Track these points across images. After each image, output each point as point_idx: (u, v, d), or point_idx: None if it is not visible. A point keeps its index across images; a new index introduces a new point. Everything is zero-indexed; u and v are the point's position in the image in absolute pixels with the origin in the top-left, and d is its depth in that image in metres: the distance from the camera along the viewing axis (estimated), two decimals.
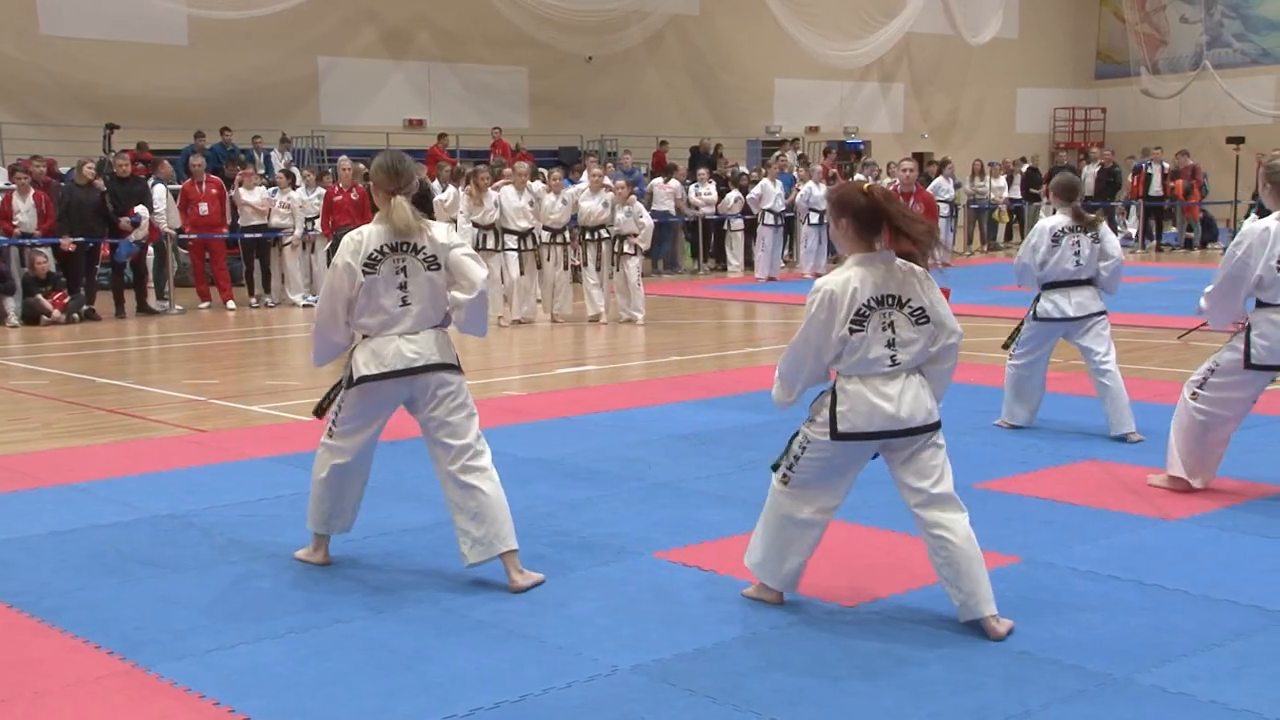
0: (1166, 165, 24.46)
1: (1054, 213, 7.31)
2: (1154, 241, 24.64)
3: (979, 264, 21.32)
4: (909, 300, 4.11)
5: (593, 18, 24.28)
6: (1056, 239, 7.08)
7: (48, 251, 14.75)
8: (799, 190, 19.15)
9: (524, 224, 13.68)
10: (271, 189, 16.47)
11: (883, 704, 3.59)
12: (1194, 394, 5.84)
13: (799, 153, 23.99)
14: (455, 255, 4.68)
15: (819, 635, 4.14)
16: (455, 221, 13.26)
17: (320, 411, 4.92)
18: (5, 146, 19.25)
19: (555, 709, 3.59)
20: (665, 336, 12.52)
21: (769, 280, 18.28)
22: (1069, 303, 7.13)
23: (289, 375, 10.46)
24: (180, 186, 16.36)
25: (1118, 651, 3.95)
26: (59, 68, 20.37)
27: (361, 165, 14.92)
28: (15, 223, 14.29)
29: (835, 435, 4.13)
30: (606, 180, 14.35)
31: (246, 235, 16.26)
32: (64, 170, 16.56)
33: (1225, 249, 5.95)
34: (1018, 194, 24.74)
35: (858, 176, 18.29)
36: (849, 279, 4.10)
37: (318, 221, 15.58)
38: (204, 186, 15.96)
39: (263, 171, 18.84)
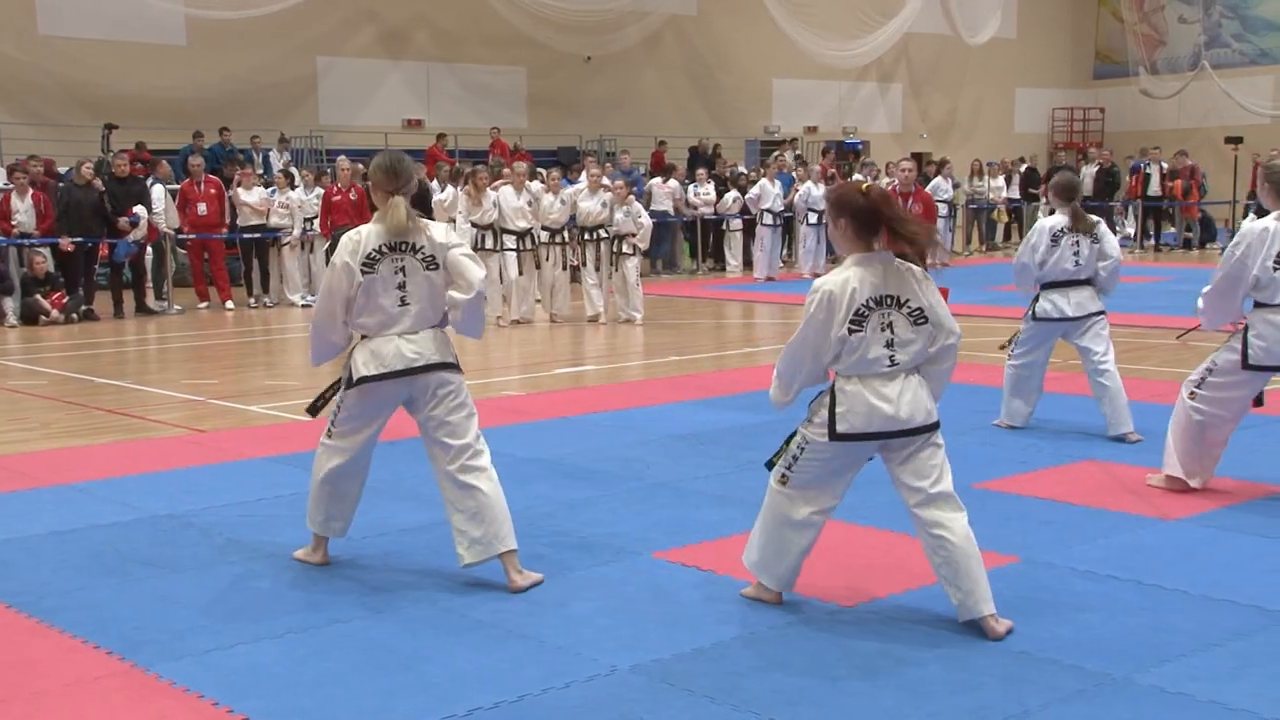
0: (1165, 165, 24.47)
1: (1053, 212, 7.31)
2: (1152, 241, 24.66)
3: (977, 264, 21.33)
4: (907, 300, 4.11)
5: (590, 18, 24.28)
6: (1056, 239, 7.08)
7: (46, 251, 14.74)
8: (797, 190, 19.15)
9: (522, 224, 13.68)
10: (270, 189, 16.46)
11: (881, 704, 3.59)
12: (1192, 394, 5.85)
13: (796, 153, 23.98)
14: (453, 255, 4.68)
15: (818, 635, 4.14)
16: (454, 221, 13.25)
17: (314, 411, 4.92)
18: (4, 146, 19.24)
19: (554, 709, 3.59)
20: (664, 336, 12.52)
21: (767, 280, 18.28)
22: (1068, 302, 7.13)
23: (288, 375, 10.46)
24: (179, 186, 16.36)
25: (1117, 651, 3.95)
26: (57, 67, 20.36)
27: (360, 165, 14.91)
28: (14, 223, 14.29)
29: (834, 436, 4.13)
30: (605, 180, 14.35)
31: (245, 235, 16.26)
32: (62, 170, 16.55)
33: (1224, 249, 5.95)
34: (1016, 194, 24.75)
35: (856, 176, 18.31)
36: (848, 279, 4.10)
37: (316, 221, 15.57)
38: (202, 186, 15.95)
39: (261, 171, 18.83)
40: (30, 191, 14.49)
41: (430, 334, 4.69)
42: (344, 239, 4.70)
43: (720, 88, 28.02)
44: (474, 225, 13.49)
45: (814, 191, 18.57)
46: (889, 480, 4.29)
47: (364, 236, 4.66)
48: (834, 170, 21.30)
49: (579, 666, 3.88)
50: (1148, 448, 6.62)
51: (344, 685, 3.77)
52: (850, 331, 4.08)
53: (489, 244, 13.53)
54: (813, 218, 18.54)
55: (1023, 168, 25.33)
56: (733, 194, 20.08)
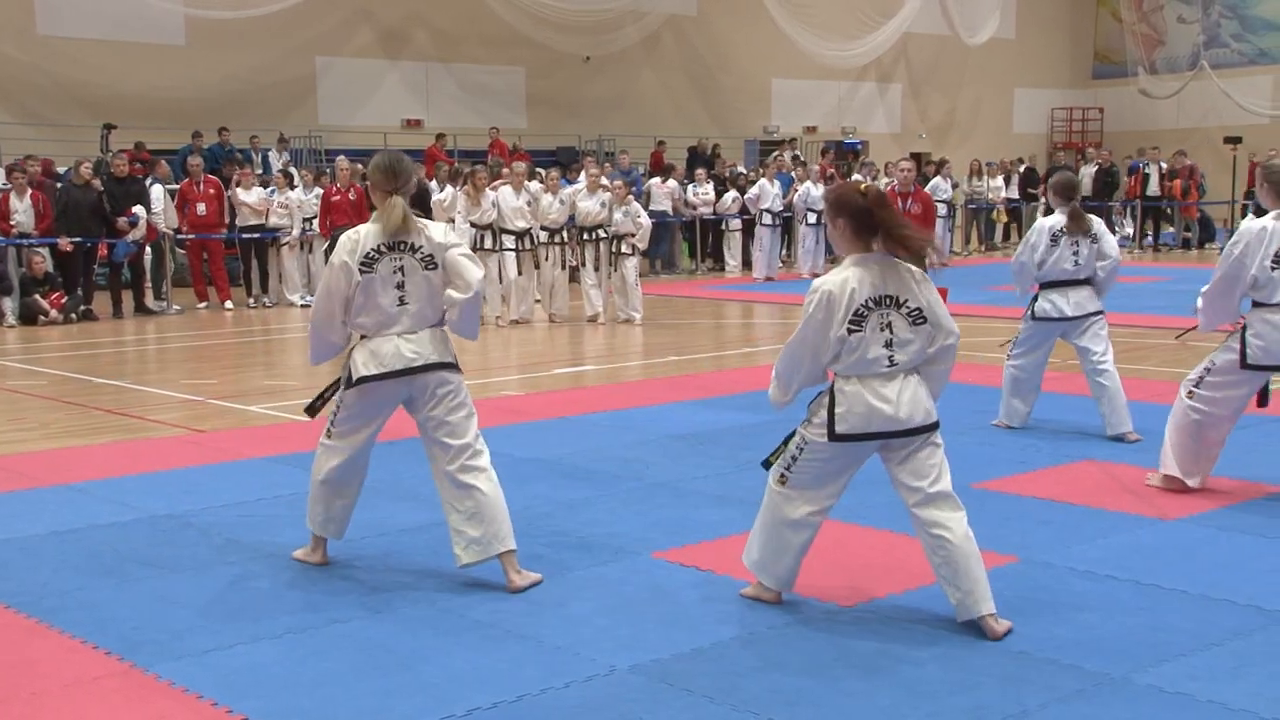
0: (1164, 165, 24.48)
1: (1049, 212, 7.32)
2: (1151, 241, 24.65)
3: (976, 264, 21.34)
4: (906, 300, 4.11)
5: (589, 18, 24.28)
6: (1055, 239, 7.09)
7: (45, 251, 14.74)
8: (796, 190, 19.15)
9: (521, 224, 13.68)
10: (269, 189, 16.46)
11: (880, 704, 3.59)
12: (1190, 393, 5.86)
13: (793, 154, 23.98)
14: (452, 255, 4.68)
15: (816, 635, 4.15)
16: (453, 221, 13.25)
17: (313, 411, 4.92)
18: (3, 147, 19.22)
19: (553, 709, 3.59)
20: (663, 336, 12.52)
21: (767, 280, 18.28)
22: (1067, 302, 7.13)
23: (287, 375, 10.46)
24: (178, 186, 16.35)
25: (1115, 651, 3.95)
26: (56, 67, 20.36)
27: (359, 165, 14.91)
28: (13, 223, 14.28)
29: (833, 436, 4.13)
30: (604, 180, 14.35)
31: (244, 235, 16.26)
32: (61, 170, 16.54)
33: (1223, 249, 5.95)
34: (1015, 194, 24.76)
35: (855, 176, 18.31)
36: (847, 279, 4.10)
37: (315, 221, 15.56)
38: (202, 186, 15.94)
39: (260, 171, 18.83)
40: (29, 191, 14.49)
41: (429, 333, 4.69)
42: (342, 238, 4.70)
43: (719, 88, 28.02)
44: (473, 225, 13.49)
45: (813, 191, 18.57)
46: (888, 480, 4.29)
47: (362, 236, 4.65)
48: (833, 170, 21.29)
49: (578, 666, 3.88)
50: (1147, 448, 6.62)
51: (343, 685, 3.77)
52: (849, 331, 4.08)
53: (488, 244, 13.52)
54: (812, 218, 18.54)
55: (1021, 168, 25.34)
56: (732, 194, 20.08)
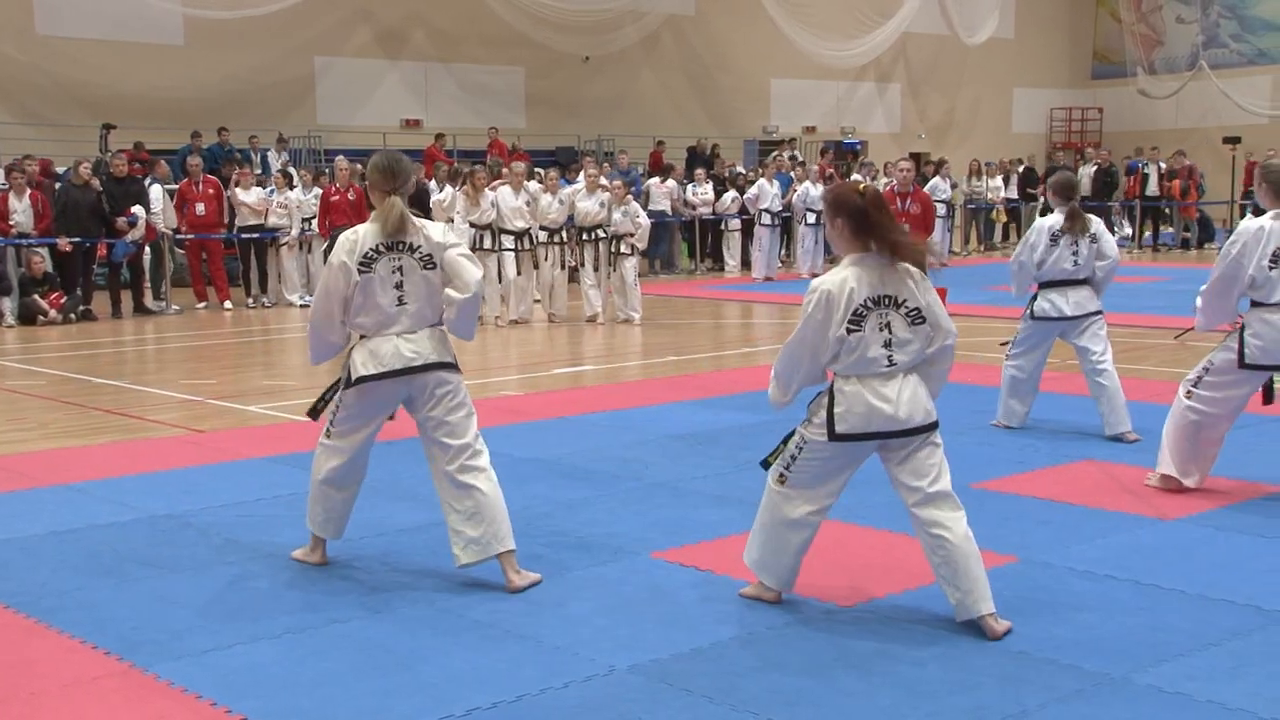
0: (1163, 165, 24.49)
1: (1046, 211, 7.32)
2: (1150, 241, 24.65)
3: (975, 264, 21.35)
4: (905, 300, 4.12)
5: (588, 18, 24.28)
6: (1055, 239, 7.09)
7: (44, 251, 14.74)
8: (796, 190, 19.16)
9: (520, 224, 13.69)
10: (268, 189, 16.46)
11: (879, 703, 3.59)
12: (1188, 393, 5.86)
13: (790, 154, 23.98)
14: (451, 255, 4.67)
15: (816, 635, 4.15)
16: (452, 221, 13.25)
17: (315, 414, 4.91)
18: (2, 146, 19.21)
19: (552, 709, 3.59)
20: (662, 336, 12.52)
21: (766, 280, 18.29)
22: (1067, 302, 7.13)
23: (286, 375, 10.45)
24: (177, 186, 16.35)
25: (1115, 651, 3.95)
26: (56, 67, 20.35)
27: (358, 165, 14.90)
28: (12, 223, 14.28)
29: (833, 436, 4.13)
30: (603, 180, 14.35)
31: (243, 235, 16.26)
32: (60, 170, 16.54)
33: (1221, 249, 5.96)
34: (1014, 194, 24.76)
35: (854, 176, 18.30)
36: (846, 279, 4.11)
37: (314, 221, 15.57)
38: (201, 186, 15.95)
39: (259, 171, 18.83)
40: (28, 191, 14.48)
41: (428, 333, 4.69)
42: (341, 239, 4.70)
43: (718, 88, 28.02)
44: (472, 225, 13.49)
45: (812, 191, 18.58)
46: (887, 480, 4.29)
47: (361, 236, 4.65)
48: (832, 170, 21.29)
49: (577, 666, 3.88)
50: (1146, 447, 6.62)
51: (342, 685, 3.77)
52: (848, 331, 4.08)
53: (487, 244, 13.53)
54: (811, 218, 18.55)
55: (1020, 168, 25.34)
56: (731, 194, 20.08)
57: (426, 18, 24.12)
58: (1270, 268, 5.57)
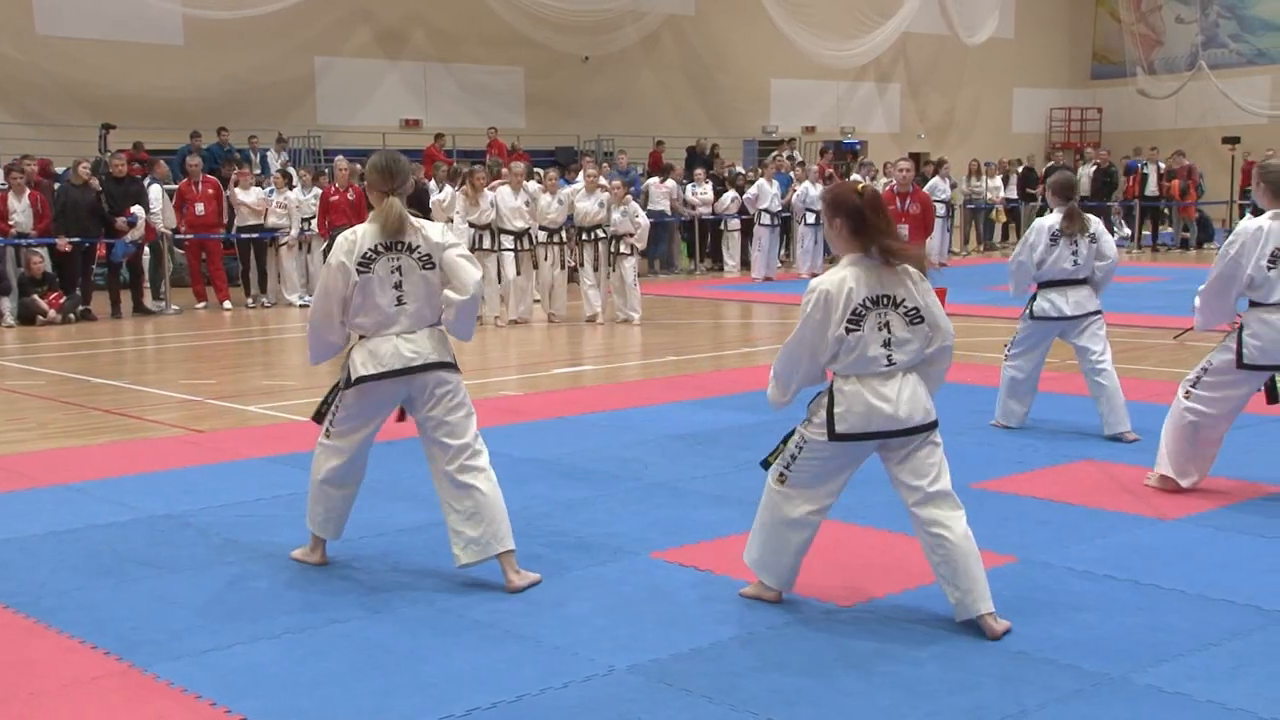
0: (1162, 165, 24.49)
1: (1043, 211, 7.32)
2: (1150, 241, 24.65)
3: (975, 264, 21.35)
4: (903, 300, 4.12)
5: (588, 18, 24.28)
6: (1055, 238, 7.08)
7: (44, 251, 14.74)
8: (795, 190, 19.16)
9: (520, 224, 13.68)
10: (268, 189, 16.46)
11: (879, 703, 3.59)
12: (1187, 393, 5.86)
13: (788, 154, 23.98)
14: (449, 256, 4.67)
15: (815, 635, 4.15)
16: (451, 221, 13.25)
17: (320, 417, 4.89)
18: (1, 146, 19.21)
19: (552, 709, 3.59)
20: (661, 336, 12.52)
21: (765, 280, 18.29)
22: (1066, 302, 7.13)
23: (285, 375, 10.45)
24: (176, 186, 16.35)
25: (1114, 651, 3.95)
26: (55, 67, 20.35)
27: (358, 165, 14.90)
28: (11, 223, 14.28)
29: (833, 436, 4.13)
30: (602, 180, 14.35)
31: (243, 235, 16.26)
32: (60, 170, 16.54)
33: (1220, 249, 5.96)
34: (1014, 194, 24.76)
35: (854, 176, 18.30)
36: (844, 278, 4.11)
37: (314, 221, 15.56)
38: (200, 186, 15.94)
39: (259, 171, 18.82)
40: (27, 191, 14.48)
41: (428, 333, 4.69)
42: (339, 239, 4.70)
43: (718, 88, 28.02)
44: (472, 225, 13.49)
45: (811, 191, 18.57)
46: (887, 480, 4.29)
47: (359, 236, 4.65)
48: (831, 170, 21.29)
49: (576, 666, 3.88)
50: (1145, 447, 6.62)
51: (341, 685, 3.77)
52: (847, 331, 4.08)
53: (486, 244, 13.53)
54: (810, 218, 18.54)
55: (1020, 168, 25.34)
56: (730, 194, 20.08)
57: (426, 18, 24.12)
58: (1268, 268, 5.57)
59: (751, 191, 19.10)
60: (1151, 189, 24.36)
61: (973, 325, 12.07)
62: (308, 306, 10.68)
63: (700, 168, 20.98)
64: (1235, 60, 32.32)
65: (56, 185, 15.44)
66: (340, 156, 16.30)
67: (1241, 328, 5.69)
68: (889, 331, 4.11)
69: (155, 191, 15.45)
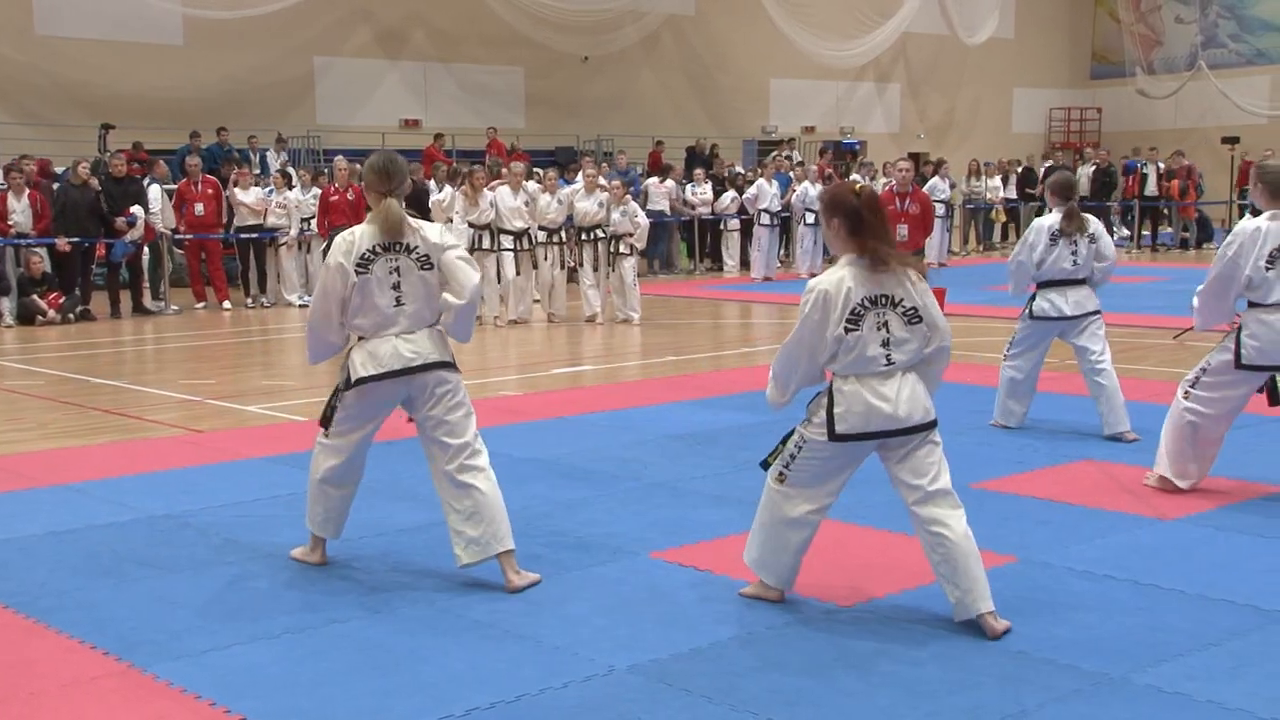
0: (1161, 165, 24.49)
1: (1041, 211, 7.32)
2: (1149, 241, 24.65)
3: (974, 264, 21.35)
4: (902, 300, 4.12)
5: (588, 18, 24.28)
6: (1054, 238, 7.09)
7: (43, 251, 14.73)
8: (794, 190, 19.16)
9: (519, 224, 13.68)
10: (267, 189, 16.46)
11: (879, 703, 3.60)
12: (1186, 394, 5.86)
13: (787, 154, 23.97)
14: (448, 257, 4.67)
15: (815, 635, 4.15)
16: (451, 221, 13.25)
17: (327, 421, 4.87)
18: (1, 146, 19.21)
19: (551, 709, 3.59)
20: (661, 336, 12.52)
21: (765, 280, 18.29)
22: (1066, 301, 7.13)
23: (285, 375, 10.45)
24: (176, 186, 16.35)
25: (1114, 651, 3.95)
26: (55, 67, 20.34)
27: (357, 165, 14.87)
28: (10, 223, 14.27)
29: (833, 436, 4.13)
30: (601, 180, 14.35)
31: (242, 235, 16.25)
32: (59, 170, 16.53)
33: (1219, 249, 5.96)
34: (1013, 194, 24.76)
35: (853, 176, 18.31)
36: (843, 278, 4.11)
37: (313, 222, 15.57)
38: (200, 186, 15.94)
39: (258, 171, 18.82)
40: (26, 191, 14.48)
41: (427, 333, 4.69)
42: (338, 239, 4.70)
43: (718, 88, 28.02)
44: (471, 225, 13.50)
45: (811, 191, 18.56)
46: (886, 480, 4.29)
47: (358, 237, 4.65)
48: (831, 170, 21.30)
49: (576, 666, 3.88)
50: (1144, 447, 6.62)
51: (341, 685, 3.77)
52: (846, 331, 4.08)
53: (486, 244, 13.53)
54: (810, 218, 18.52)
55: (1020, 168, 25.35)
56: (730, 194, 20.08)
57: (426, 18, 24.12)
58: (1267, 268, 5.57)
59: (751, 191, 19.10)
60: (1151, 189, 24.36)
61: (972, 325, 12.08)
62: (307, 306, 10.68)
63: (700, 168, 20.98)
64: (1235, 60, 32.32)
65: (56, 185, 15.43)
66: (340, 156, 16.30)
67: (1240, 328, 5.69)
68: (887, 331, 4.11)
69: (155, 191, 15.45)
